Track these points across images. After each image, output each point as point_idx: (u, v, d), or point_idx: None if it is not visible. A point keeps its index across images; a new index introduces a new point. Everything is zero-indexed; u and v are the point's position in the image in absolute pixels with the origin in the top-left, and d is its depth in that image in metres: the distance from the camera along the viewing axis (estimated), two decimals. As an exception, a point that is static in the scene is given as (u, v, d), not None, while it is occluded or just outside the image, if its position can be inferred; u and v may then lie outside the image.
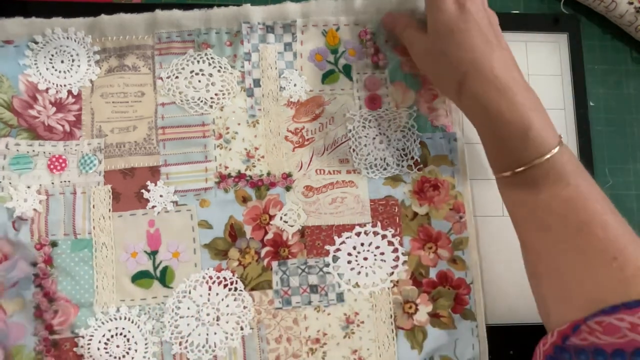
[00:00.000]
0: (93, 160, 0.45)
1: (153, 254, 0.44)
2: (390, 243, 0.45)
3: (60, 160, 0.44)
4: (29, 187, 0.44)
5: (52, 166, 0.44)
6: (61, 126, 0.45)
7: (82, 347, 0.42)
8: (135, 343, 0.43)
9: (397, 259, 0.45)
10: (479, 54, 0.39)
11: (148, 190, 0.45)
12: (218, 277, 0.44)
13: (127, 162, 0.45)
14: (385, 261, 0.45)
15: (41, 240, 0.43)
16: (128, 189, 0.45)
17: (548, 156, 0.37)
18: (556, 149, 0.37)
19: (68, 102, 0.45)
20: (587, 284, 0.34)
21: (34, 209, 0.43)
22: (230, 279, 0.44)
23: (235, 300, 0.44)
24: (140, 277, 0.44)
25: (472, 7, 0.40)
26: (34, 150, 0.44)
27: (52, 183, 0.44)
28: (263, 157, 0.46)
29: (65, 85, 0.45)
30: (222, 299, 0.44)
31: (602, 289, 0.33)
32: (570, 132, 0.50)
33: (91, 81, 0.46)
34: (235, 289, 0.44)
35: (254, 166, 0.46)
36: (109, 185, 0.45)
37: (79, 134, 0.45)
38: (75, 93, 0.46)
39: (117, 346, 0.42)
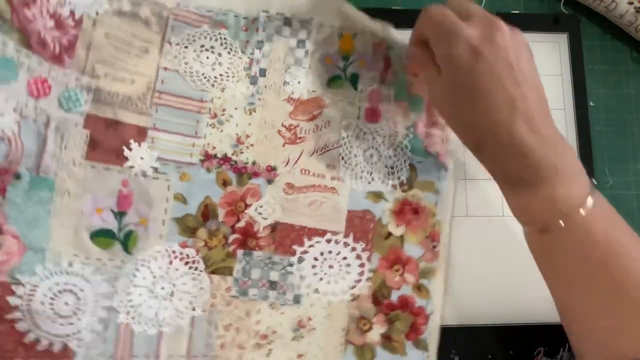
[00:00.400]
0: (80, 98, 0.42)
1: (120, 215, 0.43)
2: (358, 257, 0.45)
3: (45, 85, 0.41)
4: (7, 100, 0.39)
5: (33, 87, 0.41)
6: (52, 46, 0.42)
7: (20, 297, 0.39)
8: (85, 304, 0.41)
9: (362, 273, 0.44)
10: (495, 117, 0.35)
11: (130, 149, 0.43)
12: (181, 253, 0.43)
13: (114, 114, 0.43)
14: (349, 273, 0.44)
15: (11, 167, 0.40)
16: (108, 141, 0.43)
17: (576, 213, 0.34)
18: (587, 203, 0.34)
19: (67, 23, 0.43)
20: (621, 341, 0.33)
21: (12, 130, 0.40)
22: (192, 257, 0.43)
23: (193, 279, 0.43)
24: (100, 235, 0.42)
25: (490, 53, 0.34)
26: (19, 59, 0.41)
27: (27, 105, 0.41)
28: (252, 145, 0.45)
29: (69, 2, 0.42)
30: (181, 276, 0.43)
31: (635, 345, 0.33)
32: (570, 132, 0.50)
33: (97, 13, 0.44)
34: (196, 268, 0.43)
35: (242, 152, 0.45)
36: (88, 131, 0.42)
37: (67, 63, 0.43)
38: (77, 17, 0.43)
39: (66, 304, 0.40)
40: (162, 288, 0.42)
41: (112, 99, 0.43)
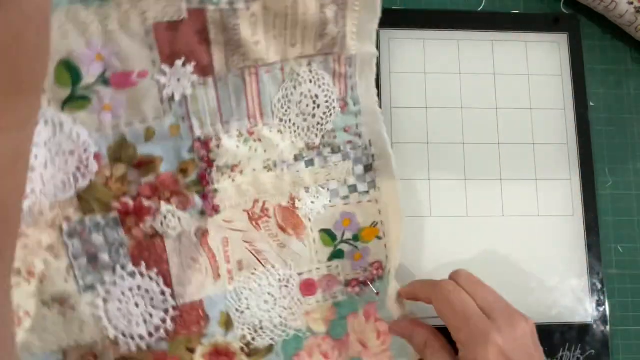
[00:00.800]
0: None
1: (102, 80, 0.38)
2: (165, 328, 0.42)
3: None
4: None
5: None
6: None
7: None
8: None
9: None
10: None
11: (184, 65, 0.38)
12: (87, 159, 0.39)
13: (218, 44, 0.39)
14: (151, 314, 0.42)
15: None
16: (185, 42, 0.38)
17: None
18: None
19: None
20: None
21: None
22: (88, 171, 0.39)
23: (62, 182, 0.38)
24: (68, 70, 0.37)
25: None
26: None
27: None
28: (233, 181, 0.43)
29: None
30: (59, 169, 0.38)
31: None
32: (570, 132, 0.50)
33: None
34: (76, 180, 0.39)
35: (222, 174, 0.42)
36: (187, 18, 0.37)
37: None
38: None
39: None
40: (36, 157, 0.37)
41: (235, 31, 0.39)
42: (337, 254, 0.45)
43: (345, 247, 0.45)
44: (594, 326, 0.47)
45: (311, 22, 0.40)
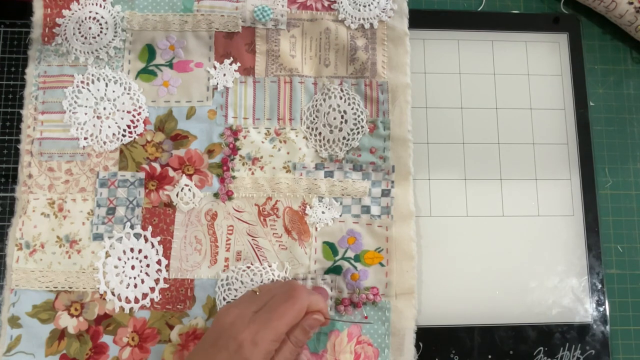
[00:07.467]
0: (268, 17, 0.48)
1: (169, 64, 0.48)
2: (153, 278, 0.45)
3: None
4: None
5: None
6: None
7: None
8: (107, 28, 0.48)
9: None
10: None
11: (231, 64, 0.48)
12: (137, 120, 0.47)
13: (261, 53, 0.49)
14: (142, 282, 0.45)
15: None
16: (236, 46, 0.49)
17: None
18: None
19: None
20: None
21: None
22: (134, 128, 0.47)
23: (114, 136, 0.46)
24: (149, 58, 0.49)
25: None
26: None
27: None
28: (253, 174, 0.47)
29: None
30: (120, 117, 0.47)
31: None
32: (570, 132, 0.50)
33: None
34: (124, 135, 0.47)
35: (243, 164, 0.47)
36: (241, 31, 0.48)
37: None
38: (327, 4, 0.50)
39: (90, 27, 0.48)
40: (104, 108, 0.47)
41: (276, 43, 0.49)
42: (335, 269, 0.46)
43: (344, 265, 0.46)
44: (594, 326, 0.47)
45: (342, 47, 0.48)
